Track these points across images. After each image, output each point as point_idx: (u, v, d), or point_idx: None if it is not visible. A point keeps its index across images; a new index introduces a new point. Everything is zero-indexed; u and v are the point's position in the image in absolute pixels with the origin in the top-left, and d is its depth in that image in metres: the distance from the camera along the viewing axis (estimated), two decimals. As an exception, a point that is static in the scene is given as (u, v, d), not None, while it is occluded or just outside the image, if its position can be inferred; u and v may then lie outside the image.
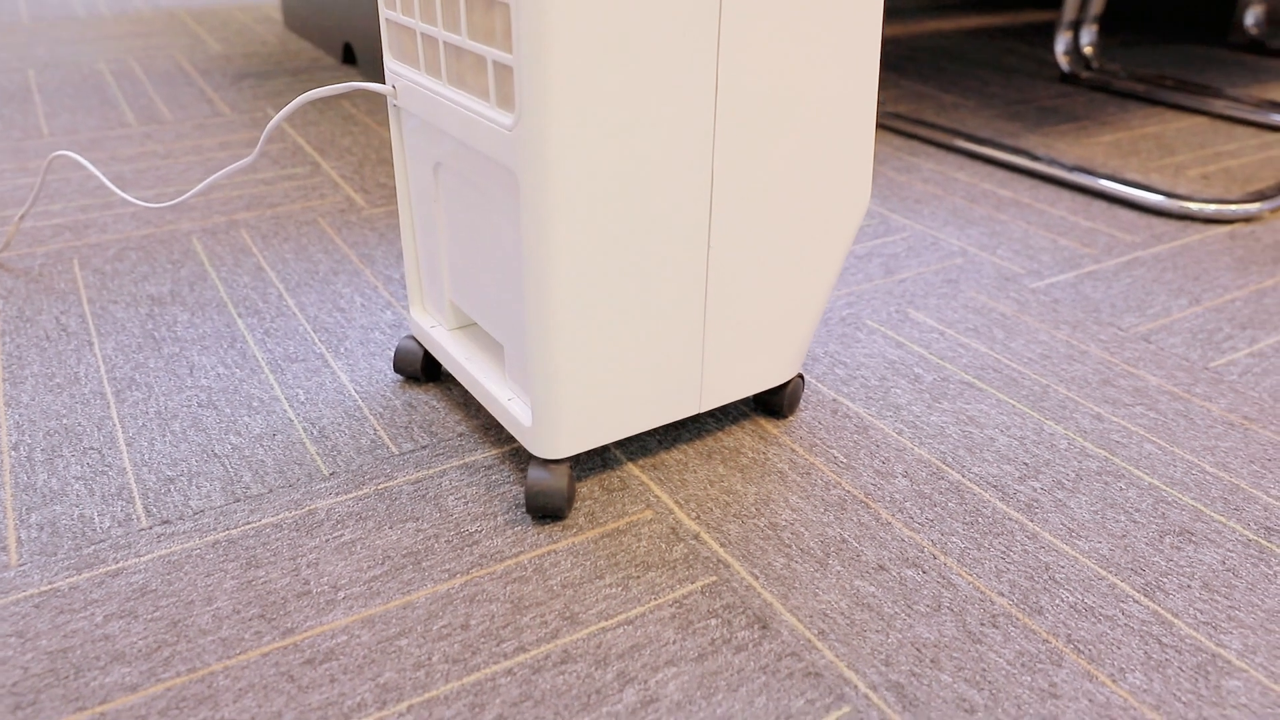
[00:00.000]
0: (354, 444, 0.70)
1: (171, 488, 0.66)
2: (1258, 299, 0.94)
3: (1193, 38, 2.09)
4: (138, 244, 1.03)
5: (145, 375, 0.79)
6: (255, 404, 0.75)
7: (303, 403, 0.75)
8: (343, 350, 0.83)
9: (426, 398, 0.76)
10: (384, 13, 0.66)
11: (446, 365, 0.71)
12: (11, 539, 0.61)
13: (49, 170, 1.23)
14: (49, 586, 0.57)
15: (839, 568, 0.59)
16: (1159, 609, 0.56)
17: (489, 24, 0.53)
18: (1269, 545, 0.62)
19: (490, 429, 0.72)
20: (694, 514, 0.64)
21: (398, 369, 0.77)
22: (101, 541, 0.61)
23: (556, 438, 0.61)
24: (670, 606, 0.56)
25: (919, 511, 0.64)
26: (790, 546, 0.61)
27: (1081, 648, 0.54)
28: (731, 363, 0.67)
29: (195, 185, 1.19)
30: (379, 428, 0.72)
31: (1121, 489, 0.67)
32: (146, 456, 0.69)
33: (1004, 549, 0.61)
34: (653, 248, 0.58)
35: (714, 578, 0.59)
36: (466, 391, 0.77)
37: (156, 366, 0.80)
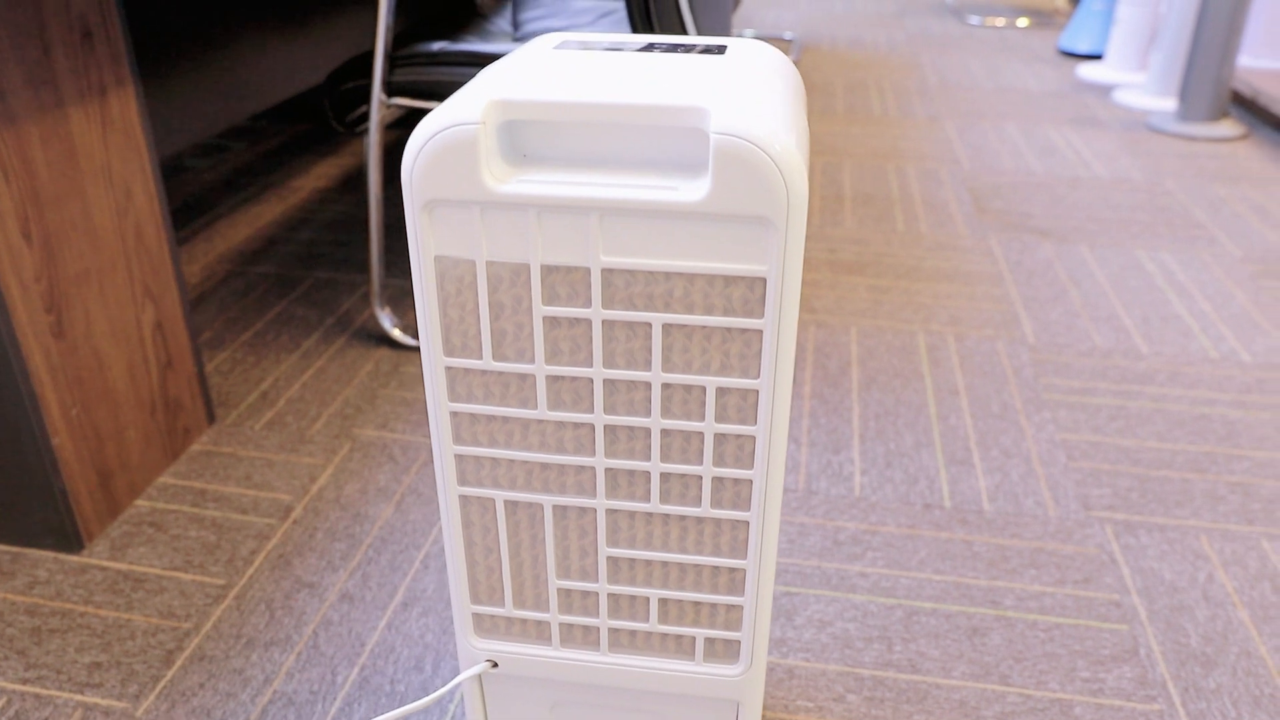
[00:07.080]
0: None
1: None
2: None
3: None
4: None
5: None
6: None
7: None
8: None
9: None
10: (470, 607, 0.70)
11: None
12: None
13: None
14: None
15: (904, 785, 0.90)
16: (1030, 691, 1.00)
17: (693, 613, 0.68)
18: (1010, 615, 1.09)
19: None
20: (809, 815, 0.87)
21: None
22: None
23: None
24: None
25: (877, 712, 0.97)
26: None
27: (1027, 742, 0.94)
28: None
29: None
30: None
31: (925, 620, 1.08)
32: None
33: (938, 706, 0.98)
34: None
35: None
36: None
37: None
